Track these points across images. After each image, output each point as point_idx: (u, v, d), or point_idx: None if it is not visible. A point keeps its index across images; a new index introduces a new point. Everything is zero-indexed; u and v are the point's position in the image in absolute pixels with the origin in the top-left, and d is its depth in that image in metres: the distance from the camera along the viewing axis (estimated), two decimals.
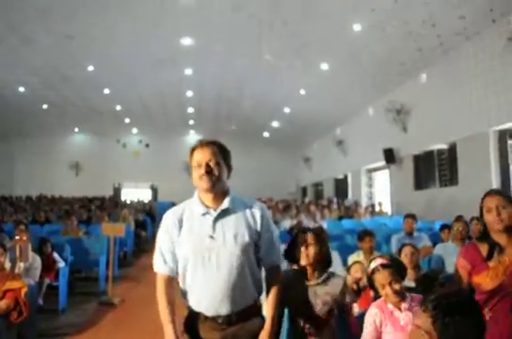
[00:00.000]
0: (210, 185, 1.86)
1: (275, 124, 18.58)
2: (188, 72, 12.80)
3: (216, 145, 1.95)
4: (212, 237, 1.86)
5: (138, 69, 12.46)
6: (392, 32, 8.69)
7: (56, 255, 5.35)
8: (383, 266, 2.07)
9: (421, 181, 10.64)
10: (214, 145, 1.94)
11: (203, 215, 1.90)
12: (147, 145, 23.73)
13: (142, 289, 6.28)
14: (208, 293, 1.87)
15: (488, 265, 1.96)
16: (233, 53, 11.03)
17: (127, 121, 20.06)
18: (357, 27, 8.81)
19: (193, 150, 1.96)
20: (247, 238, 1.87)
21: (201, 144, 1.94)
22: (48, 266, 5.10)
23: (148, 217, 11.92)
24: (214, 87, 14.23)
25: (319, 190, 20.38)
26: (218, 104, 16.29)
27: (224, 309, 1.86)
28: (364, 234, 4.13)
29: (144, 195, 22.02)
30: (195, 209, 1.93)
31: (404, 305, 2.01)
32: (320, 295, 2.00)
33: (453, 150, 9.12)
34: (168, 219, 1.96)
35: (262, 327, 1.90)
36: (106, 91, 14.91)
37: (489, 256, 1.97)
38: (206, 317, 1.89)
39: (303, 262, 2.04)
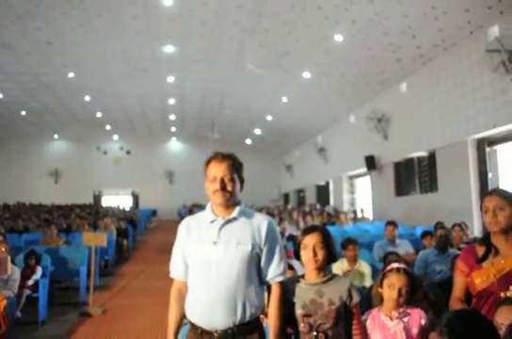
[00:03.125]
0: (223, 200, 1.89)
1: (257, 132, 18.64)
2: (170, 79, 12.78)
3: (232, 159, 1.95)
4: (215, 243, 1.85)
5: (120, 76, 12.37)
6: (372, 43, 8.85)
7: (38, 267, 5.22)
8: (405, 270, 2.07)
9: (401, 187, 10.77)
10: (230, 159, 1.94)
11: (211, 222, 1.92)
12: (128, 152, 23.51)
13: (124, 299, 6.15)
14: (205, 302, 1.83)
15: (481, 266, 1.94)
16: (216, 61, 11.06)
17: (108, 127, 19.89)
18: (338, 38, 8.94)
19: (208, 162, 1.95)
20: (249, 248, 1.84)
21: (218, 157, 1.94)
22: (30, 277, 4.98)
23: (129, 225, 11.74)
24: (196, 94, 14.23)
25: (301, 197, 20.45)
26: (201, 111, 16.29)
27: (221, 322, 1.80)
28: (348, 243, 4.13)
29: (125, 202, 21.73)
30: (205, 218, 1.95)
31: (394, 313, 2.01)
32: (326, 293, 1.92)
33: (432, 157, 9.27)
34: (181, 227, 2.01)
35: None
36: (87, 98, 14.76)
37: (484, 258, 1.95)
38: (203, 331, 1.83)
39: (312, 266, 1.96)
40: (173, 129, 20.59)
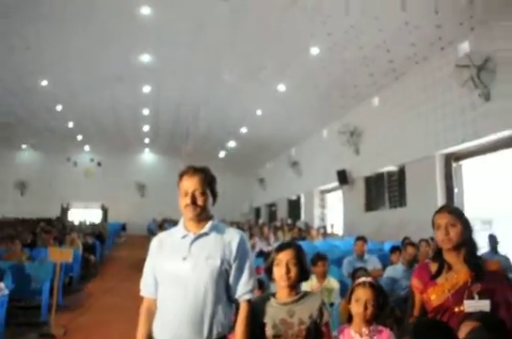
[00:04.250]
0: (194, 214, 1.89)
1: (231, 144, 18.62)
2: (146, 89, 12.63)
3: (204, 173, 1.96)
4: (184, 259, 1.84)
5: (94, 85, 12.17)
6: (347, 56, 9.00)
7: (2, 284, 4.99)
8: (371, 284, 2.09)
9: (371, 202, 10.89)
10: (202, 173, 1.95)
11: (183, 237, 1.91)
12: (99, 164, 23.02)
13: (88, 318, 5.84)
14: (172, 319, 1.79)
15: (435, 282, 1.98)
16: (192, 71, 11.03)
17: (79, 138, 19.45)
18: (314, 51, 9.06)
19: (181, 175, 1.96)
20: (218, 263, 1.84)
21: (190, 171, 1.94)
22: None
23: (97, 240, 11.43)
24: (171, 105, 14.13)
25: (272, 211, 20.39)
26: (175, 122, 16.16)
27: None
28: (317, 259, 4.12)
29: (94, 215, 21.14)
30: (177, 233, 1.95)
31: (364, 330, 2.02)
32: (296, 312, 1.89)
33: (402, 172, 9.42)
34: (153, 243, 2.01)
35: None
36: (59, 108, 14.44)
37: (437, 274, 1.99)
38: None
39: (284, 283, 1.93)
40: (147, 140, 20.31)
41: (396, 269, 4.46)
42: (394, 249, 5.28)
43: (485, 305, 1.83)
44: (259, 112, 13.72)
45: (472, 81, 6.75)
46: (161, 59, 10.50)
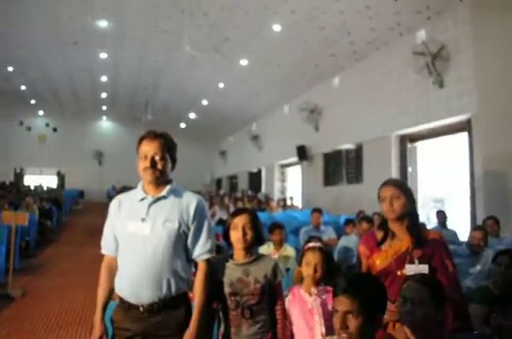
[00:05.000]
0: (152, 178, 1.93)
1: (192, 116, 18.42)
2: (103, 55, 12.19)
3: (165, 138, 1.98)
4: (143, 220, 1.90)
5: (50, 48, 11.60)
6: (309, 36, 9.01)
7: None
8: (320, 248, 2.22)
9: (330, 178, 11.22)
10: (162, 138, 1.97)
11: (141, 200, 1.96)
12: (55, 129, 22.20)
13: (46, 282, 5.91)
14: (131, 277, 1.86)
15: (380, 248, 2.14)
16: (153, 40, 10.72)
17: (33, 102, 18.62)
18: (276, 28, 9.01)
19: (141, 140, 1.98)
20: (176, 225, 1.90)
21: (150, 136, 1.96)
22: None
23: (54, 206, 11.22)
24: (130, 73, 13.72)
25: (234, 183, 20.61)
26: (134, 90, 15.75)
27: (147, 296, 1.85)
28: (274, 227, 4.30)
29: (50, 182, 20.48)
30: (135, 195, 2.00)
31: (313, 290, 2.17)
32: (252, 272, 2.02)
33: (359, 150, 9.74)
34: (112, 203, 2.04)
35: (188, 318, 1.88)
36: (10, 69, 13.71)
37: (382, 241, 2.14)
38: (130, 305, 1.87)
39: (240, 245, 2.05)
40: (104, 108, 19.71)
41: (350, 239, 4.76)
42: (348, 221, 5.58)
43: (424, 269, 2.00)
44: (221, 85, 13.60)
45: (427, 68, 6.99)
46: (119, 26, 10.10)
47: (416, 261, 2.05)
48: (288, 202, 12.28)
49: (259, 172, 16.79)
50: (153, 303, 1.86)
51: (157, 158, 1.93)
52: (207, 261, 1.98)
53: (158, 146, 1.94)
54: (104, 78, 14.52)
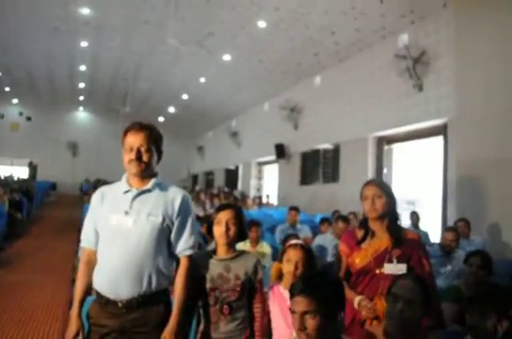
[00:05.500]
0: (138, 170, 1.90)
1: (171, 110, 18.23)
2: (83, 44, 11.92)
3: (151, 130, 1.95)
4: (126, 213, 1.87)
5: (27, 33, 11.28)
6: (293, 34, 9.01)
7: None
8: (301, 246, 2.21)
9: (306, 177, 11.28)
10: (148, 130, 1.94)
11: (125, 192, 1.92)
12: (28, 118, 21.61)
13: (16, 276, 5.72)
14: (111, 271, 1.82)
15: (360, 247, 2.18)
16: (135, 30, 10.54)
17: (7, 89, 18.08)
18: (261, 24, 8.99)
19: (126, 131, 1.94)
20: (159, 219, 1.87)
21: (136, 127, 1.93)
22: None
23: (24, 198, 10.92)
24: (110, 63, 13.48)
25: (210, 179, 20.50)
26: (113, 82, 15.48)
27: (126, 292, 1.80)
28: (251, 225, 4.31)
29: (21, 173, 19.94)
30: (119, 187, 1.96)
31: None
32: (233, 268, 2.01)
33: (337, 150, 9.81)
34: (94, 195, 2.01)
35: (168, 315, 1.85)
36: None
37: (362, 240, 2.19)
38: (108, 301, 1.82)
39: (223, 240, 2.04)
40: (81, 98, 19.30)
41: (325, 238, 4.80)
42: (324, 220, 5.63)
43: (402, 268, 2.06)
44: (202, 80, 13.50)
45: (407, 72, 7.08)
46: (102, 14, 9.90)
47: (395, 260, 2.09)
48: (264, 200, 12.29)
49: (236, 169, 16.74)
50: (132, 299, 1.82)
51: (143, 150, 1.89)
52: (189, 257, 1.95)
53: (144, 138, 1.90)
54: (82, 67, 14.22)
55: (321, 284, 1.52)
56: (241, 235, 2.11)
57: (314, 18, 8.17)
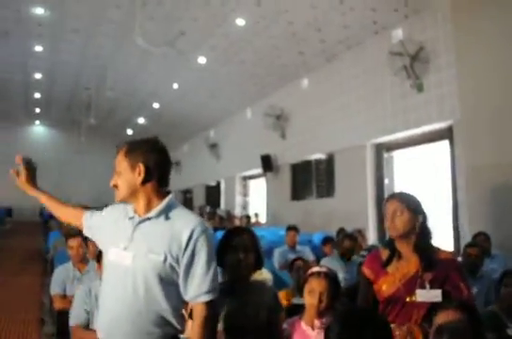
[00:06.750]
0: (118, 199, 1.83)
1: (141, 121, 18.11)
2: (38, 48, 11.76)
3: (125, 147, 1.82)
4: (125, 247, 1.74)
5: None
6: (275, 31, 9.05)
7: None
8: (325, 274, 2.12)
9: (298, 191, 11.23)
10: (122, 148, 1.82)
11: (130, 218, 1.81)
12: None
13: None
14: (107, 317, 1.71)
15: (386, 271, 2.10)
16: (97, 32, 10.46)
17: None
18: (240, 22, 9.00)
19: None
20: (160, 258, 1.69)
21: (117, 147, 1.86)
22: None
23: None
24: (69, 70, 13.34)
25: (188, 198, 20.33)
26: (74, 91, 15.32)
27: None
28: None
29: None
30: (128, 212, 1.85)
31: (316, 322, 2.07)
32: (249, 303, 1.92)
33: (331, 160, 9.79)
34: (115, 205, 1.95)
35: None
36: None
37: (387, 262, 2.12)
38: None
39: (237, 271, 1.95)
40: (37, 110, 19.06)
41: (332, 261, 4.67)
42: (327, 240, 5.52)
43: (436, 295, 1.97)
44: (175, 86, 13.43)
45: (404, 70, 7.12)
46: (58, 14, 9.78)
47: (427, 285, 2.01)
48: (253, 219, 12.15)
49: (217, 185, 16.62)
50: None
51: (116, 174, 1.81)
52: (207, 304, 1.72)
53: (117, 159, 1.81)
54: (38, 75, 14.04)
55: (365, 327, 1.37)
56: (258, 263, 2.02)
57: (299, 13, 8.22)
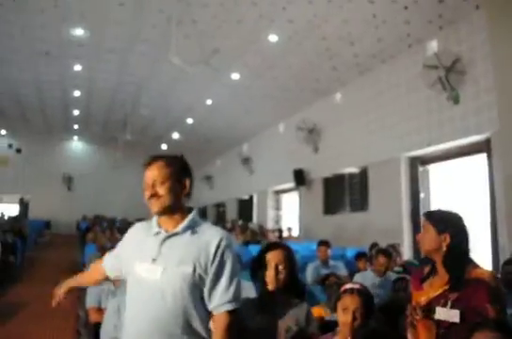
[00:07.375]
0: (157, 208, 1.82)
1: (175, 136, 18.37)
2: (77, 67, 12.16)
3: (165, 160, 1.88)
4: (154, 260, 1.77)
5: (17, 59, 11.54)
6: (308, 47, 9.10)
7: None
8: (359, 291, 2.09)
9: (331, 205, 11.12)
10: (161, 161, 1.87)
11: (156, 234, 1.84)
12: (18, 150, 21.97)
13: (14, 328, 5.55)
14: (134, 332, 1.73)
15: (423, 287, 2.10)
16: (133, 51, 10.74)
17: None
18: (272, 38, 9.09)
19: (144, 167, 1.90)
20: (190, 269, 1.73)
21: (148, 160, 1.88)
22: None
23: (18, 239, 10.81)
24: (107, 88, 13.70)
25: (221, 212, 20.40)
26: (111, 107, 15.70)
27: None
28: None
29: (11, 211, 19.95)
30: (152, 228, 1.89)
31: None
32: (282, 319, 1.90)
33: (364, 174, 9.68)
34: (131, 230, 2.01)
35: None
36: None
37: (425, 278, 2.12)
38: None
39: (271, 286, 1.93)
40: (76, 126, 19.59)
41: (366, 276, 4.58)
42: (360, 255, 5.42)
43: (454, 315, 1.92)
44: (208, 101, 13.62)
45: (440, 83, 7.02)
46: (97, 35, 10.12)
47: (449, 304, 1.97)
48: (285, 234, 12.05)
49: (250, 199, 16.62)
50: None
51: (157, 184, 1.82)
52: (230, 313, 1.75)
53: (157, 169, 1.84)
54: (77, 93, 14.46)
55: None
56: (292, 281, 2.00)
57: (332, 28, 8.25)
